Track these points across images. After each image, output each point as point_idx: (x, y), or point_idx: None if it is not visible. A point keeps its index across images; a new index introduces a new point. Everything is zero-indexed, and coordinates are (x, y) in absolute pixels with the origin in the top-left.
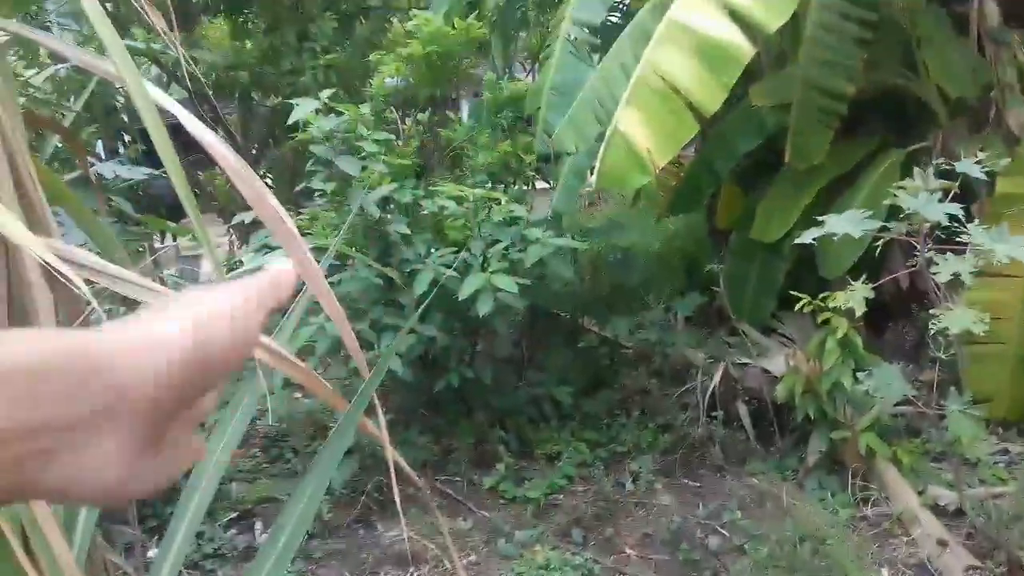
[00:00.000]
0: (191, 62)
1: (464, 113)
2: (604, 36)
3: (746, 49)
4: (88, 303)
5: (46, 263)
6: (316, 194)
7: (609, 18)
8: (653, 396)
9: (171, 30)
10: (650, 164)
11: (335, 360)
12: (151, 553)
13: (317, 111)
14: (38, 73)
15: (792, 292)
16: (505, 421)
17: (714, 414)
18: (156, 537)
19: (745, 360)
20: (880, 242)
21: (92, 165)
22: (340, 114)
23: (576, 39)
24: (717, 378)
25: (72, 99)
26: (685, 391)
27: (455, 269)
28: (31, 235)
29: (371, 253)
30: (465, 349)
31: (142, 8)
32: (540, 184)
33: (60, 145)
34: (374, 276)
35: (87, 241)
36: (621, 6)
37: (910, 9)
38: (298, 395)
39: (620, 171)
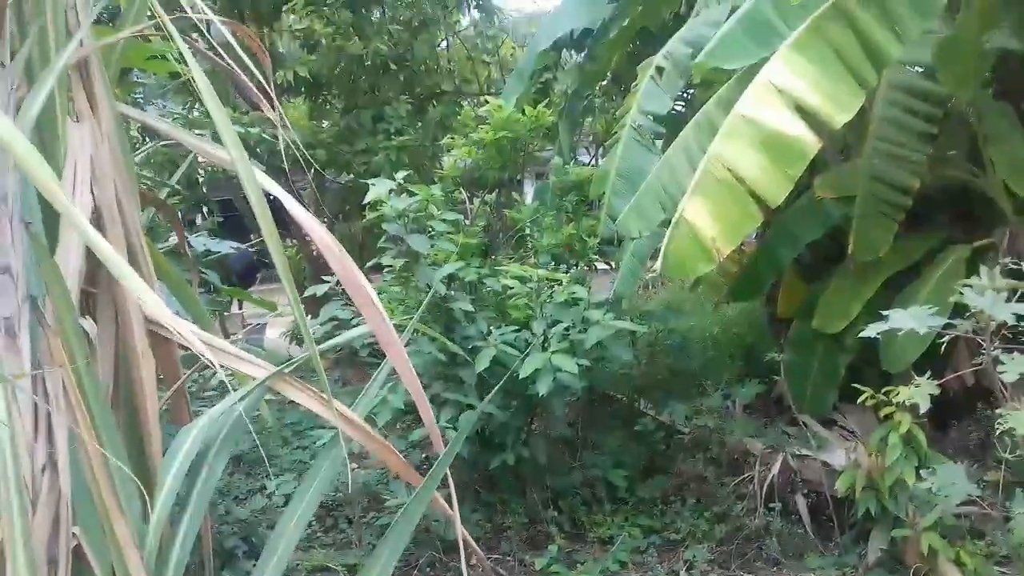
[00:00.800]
0: (292, 143)
1: (528, 193)
2: (668, 125)
3: (812, 143)
4: (186, 369)
5: (175, 329)
6: (384, 269)
7: (674, 108)
8: (709, 484)
9: (259, 110)
10: (714, 252)
11: (391, 432)
12: None
13: (391, 191)
14: (135, 150)
15: (855, 385)
16: (559, 502)
17: (772, 505)
18: None
19: (805, 452)
20: (945, 339)
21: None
22: (413, 194)
23: (642, 127)
24: (776, 469)
25: (155, 173)
26: (742, 480)
27: (516, 348)
28: (172, 314)
29: (435, 329)
30: (521, 427)
31: (258, 90)
32: (600, 266)
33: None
34: (437, 351)
35: (178, 310)
36: (686, 96)
37: (976, 105)
38: (354, 465)
39: (685, 258)
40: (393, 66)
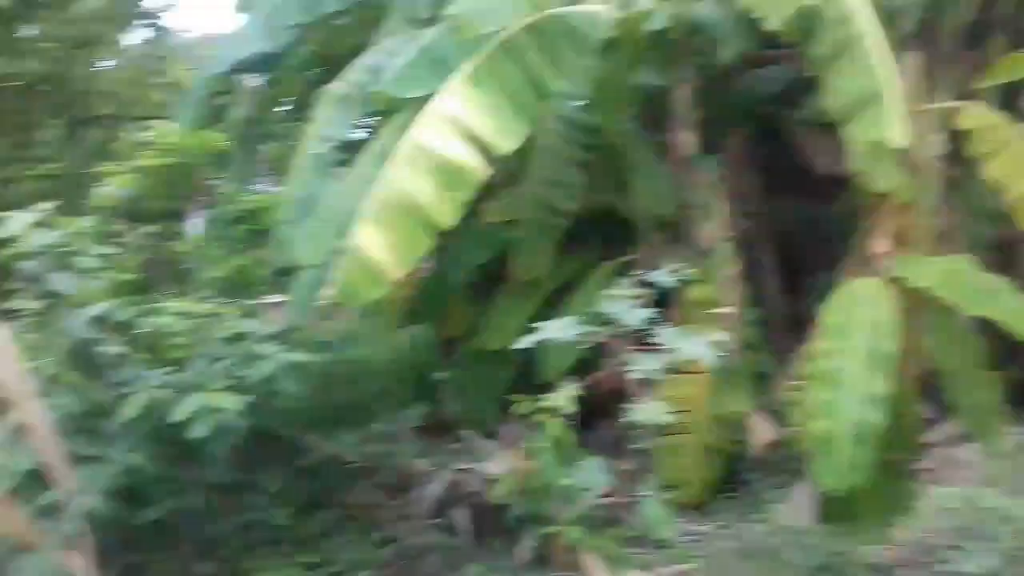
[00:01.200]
0: None
1: (197, 225)
2: (349, 152)
3: (480, 169)
4: None
5: None
6: (18, 313)
7: (354, 135)
8: (377, 509)
9: None
10: (386, 277)
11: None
12: None
13: (31, 224)
14: None
15: (512, 396)
16: (216, 551)
17: (436, 521)
18: None
19: (468, 465)
20: (589, 345)
21: None
22: (58, 227)
23: (319, 154)
24: (439, 485)
25: None
26: (408, 501)
27: (172, 390)
28: None
29: (75, 377)
30: (176, 476)
31: None
32: (276, 297)
33: None
34: (77, 403)
35: None
36: (365, 123)
37: (623, 136)
38: None
39: (357, 285)
40: (45, 86)
